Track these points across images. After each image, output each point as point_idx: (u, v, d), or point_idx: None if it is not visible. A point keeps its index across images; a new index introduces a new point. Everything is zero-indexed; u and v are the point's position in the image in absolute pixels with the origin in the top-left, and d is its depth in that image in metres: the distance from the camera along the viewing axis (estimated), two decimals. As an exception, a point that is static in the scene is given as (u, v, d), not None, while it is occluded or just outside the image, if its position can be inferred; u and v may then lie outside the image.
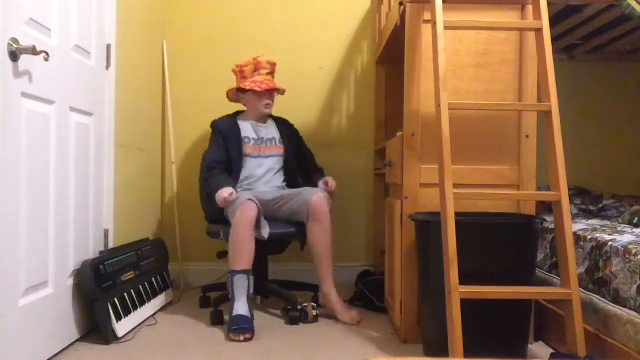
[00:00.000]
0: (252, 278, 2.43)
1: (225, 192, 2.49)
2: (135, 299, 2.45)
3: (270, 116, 2.91)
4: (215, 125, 2.82)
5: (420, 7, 2.22)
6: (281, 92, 2.89)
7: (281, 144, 2.85)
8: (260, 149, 2.81)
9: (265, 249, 2.64)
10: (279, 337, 2.32)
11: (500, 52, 2.25)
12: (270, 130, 2.86)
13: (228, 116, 2.87)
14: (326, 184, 2.74)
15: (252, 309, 2.40)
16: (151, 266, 2.70)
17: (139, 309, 2.46)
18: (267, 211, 2.66)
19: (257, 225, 2.47)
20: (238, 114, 2.89)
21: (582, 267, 2.02)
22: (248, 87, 2.72)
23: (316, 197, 2.55)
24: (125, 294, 2.37)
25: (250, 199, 2.46)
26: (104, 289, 2.19)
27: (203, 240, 3.19)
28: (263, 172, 2.78)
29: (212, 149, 2.77)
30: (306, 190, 2.62)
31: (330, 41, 3.37)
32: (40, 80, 1.88)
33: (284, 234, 2.61)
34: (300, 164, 2.92)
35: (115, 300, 2.27)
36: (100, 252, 2.36)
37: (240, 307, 2.35)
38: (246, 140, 2.79)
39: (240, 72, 2.79)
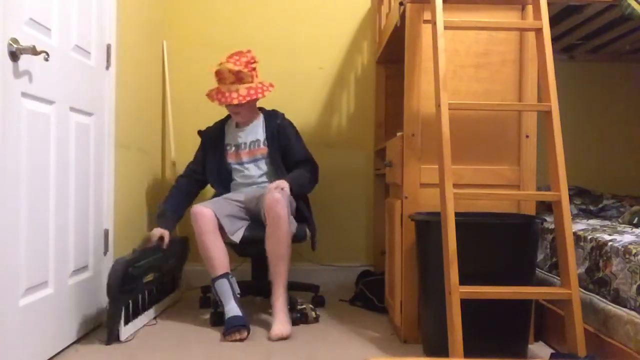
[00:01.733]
0: (233, 279, 2.43)
1: (155, 234, 2.55)
2: (146, 301, 2.46)
3: (263, 111, 2.81)
4: (200, 134, 2.85)
5: (420, 7, 2.22)
6: (253, 100, 2.67)
7: (265, 145, 2.72)
8: (240, 155, 2.73)
9: (254, 250, 2.64)
10: (279, 337, 2.32)
11: (500, 52, 2.25)
12: (255, 132, 2.75)
13: (218, 122, 2.86)
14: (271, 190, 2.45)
15: (244, 308, 2.37)
16: (170, 267, 2.71)
17: (146, 312, 2.47)
18: (253, 215, 2.64)
19: (222, 229, 2.47)
20: (230, 117, 2.84)
21: (582, 267, 2.02)
22: (209, 98, 2.67)
23: (270, 197, 2.38)
24: (140, 296, 2.39)
25: (201, 204, 2.46)
26: (124, 290, 2.21)
27: (203, 240, 3.18)
28: (248, 177, 2.72)
29: (194, 157, 2.84)
30: (267, 190, 2.47)
31: (330, 41, 3.37)
32: (40, 80, 1.88)
33: (257, 237, 2.53)
34: (285, 162, 2.72)
35: (130, 302, 2.28)
36: (134, 250, 2.38)
37: (231, 309, 2.34)
38: (228, 147, 2.76)
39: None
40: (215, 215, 2.45)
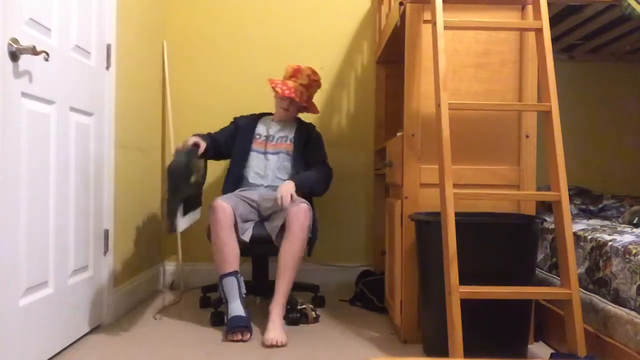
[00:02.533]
0: (241, 278, 2.42)
1: (191, 138, 2.64)
2: (192, 201, 2.58)
3: (298, 120, 2.91)
4: (236, 117, 2.94)
5: (420, 7, 2.22)
6: (303, 108, 2.87)
7: (291, 142, 2.82)
8: (267, 145, 2.81)
9: (258, 250, 2.64)
10: (279, 337, 2.31)
11: (500, 52, 2.25)
12: (286, 129, 2.85)
13: (253, 114, 2.96)
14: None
15: (248, 308, 2.37)
16: (200, 178, 2.77)
17: (192, 212, 2.59)
18: (261, 215, 2.66)
19: (237, 227, 2.49)
20: (265, 114, 2.96)
21: (582, 267, 2.02)
22: (270, 84, 2.75)
23: (298, 207, 2.43)
24: (191, 196, 2.52)
25: (222, 199, 2.46)
26: (186, 180, 2.37)
27: (203, 240, 3.17)
28: (266, 168, 2.77)
29: (221, 130, 2.90)
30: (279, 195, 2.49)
31: (330, 41, 3.37)
32: (40, 80, 1.88)
33: (262, 237, 2.56)
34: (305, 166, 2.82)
35: (184, 199, 2.40)
36: (190, 151, 2.50)
37: (235, 308, 2.33)
38: (257, 136, 2.85)
39: (286, 71, 2.85)
40: (233, 212, 2.46)
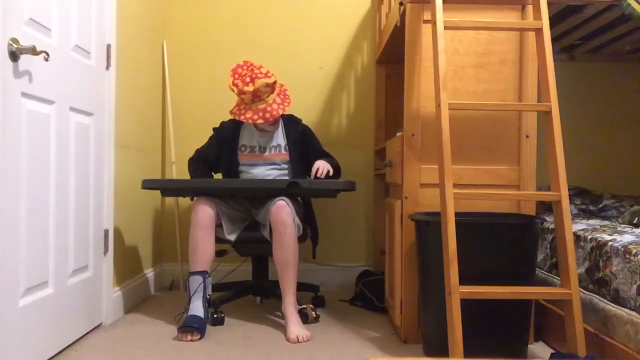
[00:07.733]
0: (209, 279, 2.42)
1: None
2: None
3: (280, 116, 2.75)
4: (216, 129, 2.80)
5: (420, 7, 2.22)
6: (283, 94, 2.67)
7: (286, 151, 2.70)
8: (255, 158, 2.69)
9: (254, 250, 2.66)
10: (279, 338, 2.31)
11: (500, 52, 2.25)
12: (275, 137, 2.71)
13: (233, 121, 2.73)
14: (316, 170, 2.53)
15: (207, 310, 2.38)
16: None
17: None
18: (253, 216, 2.67)
19: (223, 226, 2.49)
20: None
21: (582, 267, 2.02)
22: (250, 121, 2.55)
23: (275, 206, 2.39)
24: None
25: (205, 199, 2.45)
26: None
27: (203, 240, 3.18)
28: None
29: (204, 145, 2.82)
30: (274, 198, 2.45)
31: (330, 41, 3.37)
32: (40, 80, 1.88)
33: (253, 237, 2.57)
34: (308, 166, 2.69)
35: None
36: None
37: (194, 307, 2.34)
38: (242, 148, 2.72)
39: (239, 95, 2.55)
40: (218, 212, 2.46)
